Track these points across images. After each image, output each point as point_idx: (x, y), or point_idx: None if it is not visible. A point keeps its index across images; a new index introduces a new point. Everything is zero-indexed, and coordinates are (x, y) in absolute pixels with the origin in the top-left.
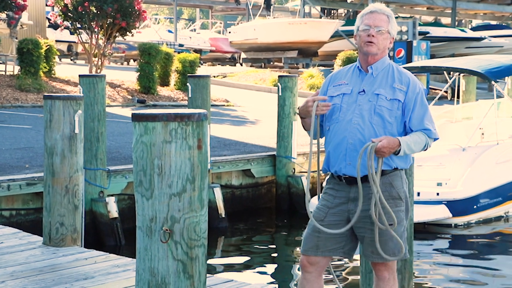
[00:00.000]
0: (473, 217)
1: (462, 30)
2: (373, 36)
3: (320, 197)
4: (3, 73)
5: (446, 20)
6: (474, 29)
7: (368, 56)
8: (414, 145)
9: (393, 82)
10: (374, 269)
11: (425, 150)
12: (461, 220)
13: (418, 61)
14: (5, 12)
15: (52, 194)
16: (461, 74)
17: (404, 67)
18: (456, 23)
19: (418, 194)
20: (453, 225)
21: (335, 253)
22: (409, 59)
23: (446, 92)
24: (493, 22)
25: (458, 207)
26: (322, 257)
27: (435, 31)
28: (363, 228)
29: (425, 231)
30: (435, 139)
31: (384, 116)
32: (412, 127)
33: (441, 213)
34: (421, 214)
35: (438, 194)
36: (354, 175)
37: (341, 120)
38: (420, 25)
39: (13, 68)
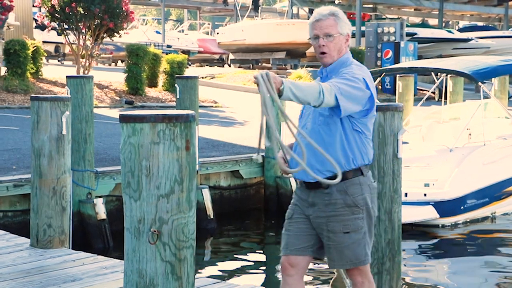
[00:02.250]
0: (460, 218)
1: (449, 31)
2: (323, 46)
3: (293, 195)
4: None
5: (433, 21)
6: (461, 30)
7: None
8: (304, 85)
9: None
10: (348, 274)
11: (322, 102)
12: (448, 220)
13: (406, 62)
14: None
15: (40, 196)
16: (449, 75)
17: (391, 68)
18: (443, 24)
19: (406, 194)
20: (440, 225)
21: (304, 252)
22: (396, 60)
23: (433, 93)
24: (480, 23)
25: (445, 207)
26: (302, 258)
27: (422, 32)
28: (321, 234)
29: (413, 231)
30: (329, 97)
31: (323, 113)
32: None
33: (428, 213)
34: (409, 215)
35: (425, 194)
36: (305, 180)
37: (301, 127)
38: (407, 26)
39: None
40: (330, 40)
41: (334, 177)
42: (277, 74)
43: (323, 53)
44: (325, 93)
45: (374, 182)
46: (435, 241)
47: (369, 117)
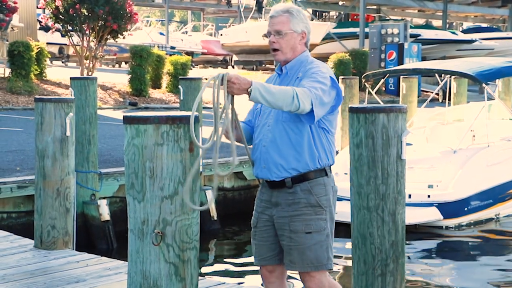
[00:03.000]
0: (464, 219)
1: (453, 33)
2: (274, 42)
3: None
4: None
5: (437, 22)
6: (465, 31)
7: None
8: (274, 89)
9: (297, 74)
10: (301, 280)
11: (297, 108)
12: (452, 222)
13: (410, 64)
14: None
15: (44, 197)
16: (452, 77)
17: (395, 69)
18: (447, 25)
19: (409, 196)
20: (444, 227)
21: (270, 261)
22: (400, 61)
23: (437, 94)
24: (484, 25)
25: (449, 209)
26: (275, 266)
27: (426, 34)
28: (283, 236)
29: (417, 233)
30: (305, 100)
31: (286, 115)
32: None
33: (432, 215)
34: (412, 216)
35: (429, 196)
36: (269, 179)
37: (259, 125)
38: (411, 27)
39: (4, 71)
40: (280, 37)
41: (299, 176)
42: None
43: (274, 49)
44: (301, 98)
45: (335, 185)
46: (439, 242)
47: (335, 114)
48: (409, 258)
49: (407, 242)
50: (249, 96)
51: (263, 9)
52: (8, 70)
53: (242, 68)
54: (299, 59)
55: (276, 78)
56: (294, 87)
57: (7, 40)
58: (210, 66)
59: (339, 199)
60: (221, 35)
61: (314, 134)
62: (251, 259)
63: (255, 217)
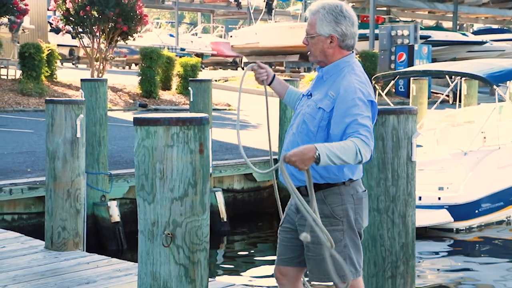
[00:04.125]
0: (474, 222)
1: (464, 34)
2: (306, 44)
3: None
4: (5, 77)
5: (447, 24)
6: (475, 33)
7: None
8: (339, 151)
9: (330, 88)
10: None
11: (360, 161)
12: (462, 224)
13: (420, 65)
14: (7, 16)
15: (54, 198)
16: (463, 78)
17: (405, 71)
18: (458, 27)
19: (420, 198)
20: (454, 229)
21: (290, 263)
22: (410, 63)
23: (447, 96)
24: (495, 26)
25: (459, 211)
26: (290, 269)
27: (436, 35)
28: (304, 244)
29: (427, 235)
30: (367, 149)
31: (308, 124)
32: (337, 133)
33: (442, 217)
34: (423, 218)
35: (439, 198)
36: (291, 182)
37: (291, 125)
38: (421, 29)
39: (15, 73)
40: (311, 39)
41: (314, 186)
42: (291, 77)
43: (308, 51)
44: (363, 152)
45: (365, 191)
46: (449, 245)
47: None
48: (419, 260)
49: (417, 244)
50: (317, 163)
51: (273, 11)
52: (19, 72)
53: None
54: (337, 65)
55: (315, 78)
56: (355, 139)
57: (18, 42)
58: (220, 68)
59: None
60: (231, 36)
61: None
62: (261, 260)
63: (284, 216)
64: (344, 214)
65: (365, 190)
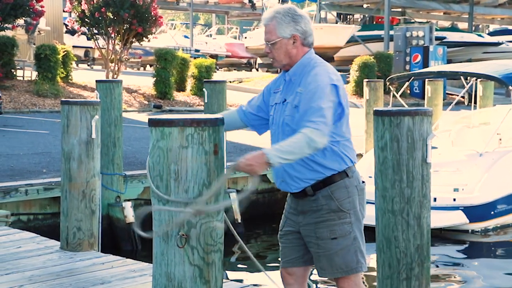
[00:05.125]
0: (490, 223)
1: (479, 35)
2: (268, 52)
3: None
4: (21, 78)
5: (463, 25)
6: (491, 34)
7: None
8: (290, 147)
9: (299, 85)
10: (336, 285)
11: (317, 148)
12: (478, 226)
13: (435, 66)
14: (23, 18)
15: (69, 199)
16: (478, 79)
17: (420, 72)
18: (473, 28)
19: (435, 199)
20: (470, 231)
21: (296, 263)
22: (425, 64)
23: (463, 97)
24: (511, 27)
25: (475, 213)
26: (297, 269)
27: (452, 36)
28: (310, 243)
29: (442, 236)
30: (319, 138)
31: (290, 124)
32: (297, 126)
33: (457, 218)
34: (438, 219)
35: (454, 199)
36: (289, 191)
37: (272, 134)
38: (436, 30)
39: (30, 74)
40: (271, 46)
41: (319, 183)
42: None
43: (270, 58)
44: (315, 139)
45: (363, 182)
46: (464, 246)
47: (342, 121)
48: (434, 262)
49: (432, 246)
50: (270, 167)
51: None
52: (35, 73)
53: (266, 71)
54: (301, 63)
55: (283, 83)
56: (304, 130)
57: (34, 44)
58: (234, 69)
59: None
60: (245, 38)
61: (322, 150)
62: (275, 262)
63: (283, 220)
64: (351, 206)
65: (364, 182)
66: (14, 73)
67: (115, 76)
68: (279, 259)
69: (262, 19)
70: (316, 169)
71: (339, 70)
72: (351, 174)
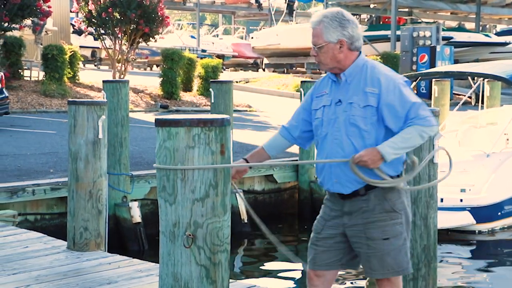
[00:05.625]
0: (497, 224)
1: (487, 35)
2: (314, 55)
3: (322, 206)
4: (28, 78)
5: (470, 25)
6: (498, 34)
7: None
8: (401, 142)
9: (365, 85)
10: (377, 285)
11: (430, 136)
12: (485, 226)
13: (442, 67)
14: (30, 18)
15: (76, 199)
16: (486, 80)
17: (427, 72)
18: (480, 28)
19: (442, 200)
20: (477, 231)
21: (332, 266)
22: (432, 64)
23: (470, 97)
24: None
25: (482, 213)
26: (329, 272)
27: (459, 36)
28: (359, 243)
29: (449, 237)
30: (430, 127)
31: (359, 125)
32: (396, 128)
33: (464, 219)
34: (445, 220)
35: (461, 200)
36: (342, 192)
37: (324, 136)
38: (443, 30)
39: (38, 74)
40: (318, 50)
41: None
42: (311, 78)
43: (317, 61)
44: (426, 130)
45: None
46: (471, 247)
47: None
48: (441, 262)
49: (439, 246)
50: (385, 160)
51: (294, 12)
52: (42, 73)
53: (273, 71)
54: (357, 65)
55: (332, 84)
56: (413, 126)
57: (41, 44)
58: (241, 69)
59: None
60: (252, 38)
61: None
62: (282, 262)
63: (321, 224)
64: (402, 207)
65: (408, 185)
66: (21, 73)
67: (121, 76)
68: (307, 261)
69: (310, 22)
70: (377, 172)
71: None
72: (401, 175)
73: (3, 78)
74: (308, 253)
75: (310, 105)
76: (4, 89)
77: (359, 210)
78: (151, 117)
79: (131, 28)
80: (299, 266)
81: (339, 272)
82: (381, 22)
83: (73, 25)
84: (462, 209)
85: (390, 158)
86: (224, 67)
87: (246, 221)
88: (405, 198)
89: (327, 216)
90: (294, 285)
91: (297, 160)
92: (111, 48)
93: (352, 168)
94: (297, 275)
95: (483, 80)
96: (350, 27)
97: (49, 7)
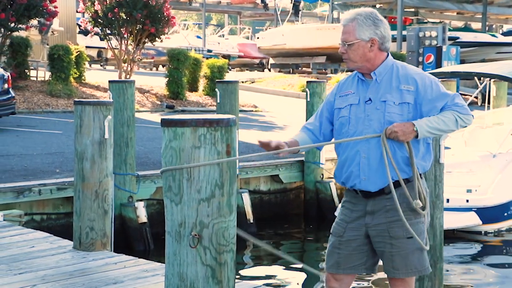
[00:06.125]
0: (503, 225)
1: (493, 35)
2: (343, 52)
3: (339, 210)
4: (35, 78)
5: (476, 25)
6: (505, 34)
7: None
8: (437, 123)
9: (399, 83)
10: (390, 286)
11: (464, 126)
12: (491, 227)
13: (448, 67)
14: (37, 18)
15: (82, 199)
16: (492, 80)
17: (432, 73)
18: (487, 28)
19: (448, 200)
20: (483, 232)
21: (357, 270)
22: (438, 64)
23: (476, 97)
24: None
25: (488, 214)
26: (349, 275)
27: (465, 36)
28: (382, 243)
29: (455, 238)
30: (467, 115)
31: (396, 121)
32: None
33: (471, 220)
34: (451, 221)
35: (467, 201)
36: (370, 190)
37: (352, 134)
38: (450, 30)
39: (44, 74)
40: (348, 47)
41: (397, 181)
42: (317, 79)
43: (346, 59)
44: (463, 117)
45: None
46: (477, 247)
47: None
48: (447, 263)
49: (445, 247)
50: (417, 136)
51: (300, 12)
52: (48, 73)
53: (279, 71)
54: (386, 65)
55: (359, 84)
56: (451, 110)
57: (47, 44)
58: (247, 69)
59: None
60: (258, 38)
61: (415, 144)
62: (287, 262)
63: (342, 227)
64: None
65: None
66: (28, 73)
67: (127, 76)
68: (327, 264)
69: (341, 20)
70: (404, 169)
71: (351, 70)
72: (423, 175)
73: (10, 78)
74: (329, 257)
75: (333, 105)
76: (10, 89)
77: (383, 209)
78: (157, 117)
79: (137, 28)
80: (303, 266)
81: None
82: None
83: (79, 25)
84: (468, 209)
85: (423, 134)
86: (230, 67)
87: (252, 221)
88: (428, 197)
89: (348, 218)
90: (299, 286)
91: (302, 160)
92: (117, 48)
93: (383, 141)
94: (302, 275)
95: (490, 80)
96: (383, 27)
97: (55, 7)
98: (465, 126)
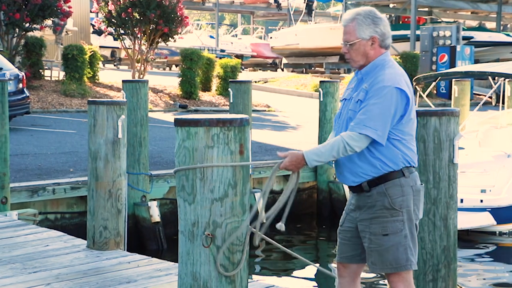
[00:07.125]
0: None
1: (508, 35)
2: (346, 52)
3: None
4: (49, 78)
5: (491, 24)
6: None
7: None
8: (326, 150)
9: (365, 83)
10: (388, 281)
11: (352, 152)
12: (505, 227)
13: (462, 66)
14: (51, 19)
15: (96, 198)
16: (507, 79)
17: (447, 72)
18: (501, 27)
19: (462, 200)
20: (497, 232)
21: (353, 260)
22: (452, 64)
23: (490, 97)
24: None
25: (502, 214)
26: (352, 264)
27: (479, 36)
28: (365, 238)
29: (469, 238)
30: (354, 146)
31: (353, 119)
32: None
33: (485, 220)
34: (465, 221)
35: (481, 201)
36: (346, 184)
37: (336, 129)
38: (464, 29)
39: (58, 74)
40: (349, 47)
41: (375, 179)
42: (331, 78)
43: (348, 58)
44: (351, 144)
45: (422, 184)
46: (491, 248)
47: (404, 121)
48: (461, 264)
49: (459, 247)
50: (307, 165)
51: (313, 12)
52: (62, 73)
53: (292, 71)
54: (374, 64)
55: (355, 82)
56: (346, 133)
57: (61, 44)
58: (260, 69)
59: None
60: (271, 38)
61: (380, 147)
62: (300, 261)
63: (343, 216)
64: (405, 205)
65: (422, 184)
66: (42, 73)
67: (141, 76)
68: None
69: (341, 20)
70: (374, 164)
71: None
72: (408, 174)
73: (24, 78)
74: (338, 246)
75: None
76: (25, 89)
77: (365, 206)
78: (170, 117)
79: (151, 28)
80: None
81: None
82: (400, 22)
83: (93, 25)
84: (483, 210)
85: (312, 164)
86: (243, 67)
87: (264, 221)
88: (410, 196)
89: (347, 209)
90: (312, 285)
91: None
92: (131, 48)
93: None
94: (316, 275)
95: (504, 80)
96: (382, 25)
97: (69, 7)
98: (358, 151)
